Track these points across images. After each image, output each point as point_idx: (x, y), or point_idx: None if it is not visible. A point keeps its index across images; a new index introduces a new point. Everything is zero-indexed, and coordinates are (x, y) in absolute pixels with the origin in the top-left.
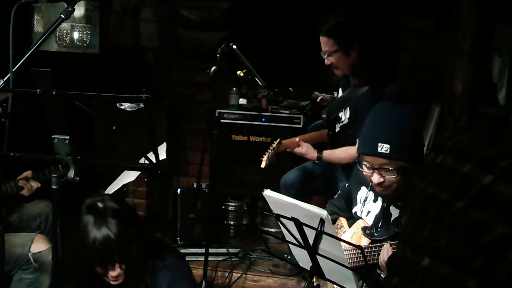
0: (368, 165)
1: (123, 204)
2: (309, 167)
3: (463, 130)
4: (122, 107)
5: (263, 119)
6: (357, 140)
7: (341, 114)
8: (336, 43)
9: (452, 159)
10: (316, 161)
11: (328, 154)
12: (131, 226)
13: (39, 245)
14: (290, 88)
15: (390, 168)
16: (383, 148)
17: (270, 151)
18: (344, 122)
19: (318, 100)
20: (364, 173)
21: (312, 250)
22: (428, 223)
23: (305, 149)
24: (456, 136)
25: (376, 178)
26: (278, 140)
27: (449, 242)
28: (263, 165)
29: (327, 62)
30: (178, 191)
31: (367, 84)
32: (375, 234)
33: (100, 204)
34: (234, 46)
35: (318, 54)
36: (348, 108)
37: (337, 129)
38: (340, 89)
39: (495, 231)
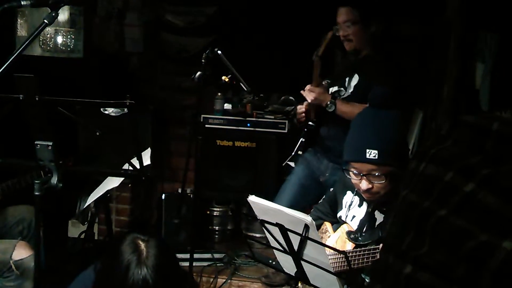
0: (355, 171)
1: (163, 246)
2: (297, 183)
3: (445, 138)
4: (106, 112)
5: (248, 124)
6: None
7: (342, 88)
8: (358, 14)
9: (435, 167)
10: (328, 108)
11: (341, 102)
12: (169, 269)
13: (21, 252)
14: (291, 97)
15: (378, 174)
16: (371, 154)
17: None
18: (346, 94)
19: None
20: (353, 180)
21: (297, 256)
22: (411, 231)
23: (319, 90)
24: (439, 144)
25: (364, 185)
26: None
27: (431, 249)
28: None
29: (343, 32)
30: (163, 196)
31: (380, 54)
32: (360, 238)
33: (142, 245)
34: (219, 52)
35: (303, 60)
36: (357, 76)
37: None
38: (341, 70)
39: (476, 239)
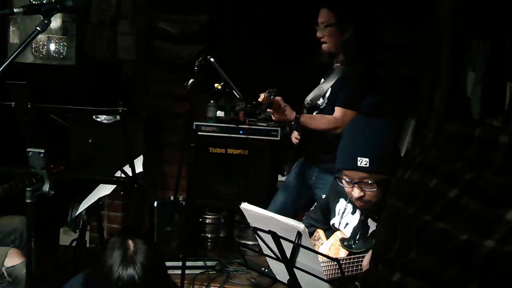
0: (347, 179)
1: (152, 248)
2: (291, 184)
3: (430, 147)
4: (99, 120)
5: (241, 132)
6: (335, 108)
7: (319, 100)
8: (335, 17)
9: (419, 175)
10: (292, 124)
11: (306, 117)
12: (157, 271)
13: (13, 259)
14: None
15: (370, 182)
16: (363, 162)
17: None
18: (322, 106)
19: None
20: (345, 188)
21: (289, 263)
22: (397, 238)
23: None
24: (424, 152)
25: (356, 193)
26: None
27: (418, 255)
28: (260, 98)
29: (319, 34)
30: (155, 204)
31: (354, 61)
32: (353, 246)
33: (129, 241)
34: (212, 59)
35: (295, 67)
36: (329, 89)
37: None
38: (322, 80)
39: (457, 239)
